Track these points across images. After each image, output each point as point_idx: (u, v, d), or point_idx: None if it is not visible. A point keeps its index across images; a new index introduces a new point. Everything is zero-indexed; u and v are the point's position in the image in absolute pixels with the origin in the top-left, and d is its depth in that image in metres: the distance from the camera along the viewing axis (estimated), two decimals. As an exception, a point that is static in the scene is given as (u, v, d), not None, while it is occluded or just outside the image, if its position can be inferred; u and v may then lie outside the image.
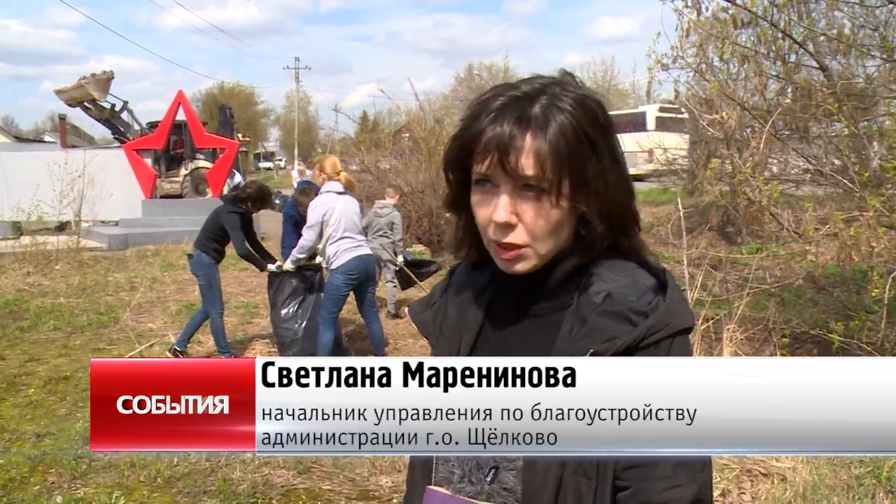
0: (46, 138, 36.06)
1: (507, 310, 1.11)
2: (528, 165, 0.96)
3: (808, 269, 6.01)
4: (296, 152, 49.90)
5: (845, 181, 4.91)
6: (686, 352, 1.01)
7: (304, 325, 6.15)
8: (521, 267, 1.02)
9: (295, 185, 19.84)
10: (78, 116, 21.91)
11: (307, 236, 5.82)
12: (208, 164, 19.22)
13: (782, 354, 5.32)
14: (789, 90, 6.27)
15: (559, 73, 1.06)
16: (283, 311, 6.20)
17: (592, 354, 0.95)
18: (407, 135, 16.08)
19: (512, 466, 0.97)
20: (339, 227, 5.74)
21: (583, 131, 0.98)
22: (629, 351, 0.96)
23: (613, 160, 1.03)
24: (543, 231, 0.99)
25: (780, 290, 6.77)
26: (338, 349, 6.11)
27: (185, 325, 6.65)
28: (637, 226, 1.09)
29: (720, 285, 6.51)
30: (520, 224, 0.99)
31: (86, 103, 19.04)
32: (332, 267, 5.82)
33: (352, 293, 6.04)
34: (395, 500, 3.91)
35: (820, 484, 3.73)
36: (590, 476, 0.96)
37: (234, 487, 3.99)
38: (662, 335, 0.97)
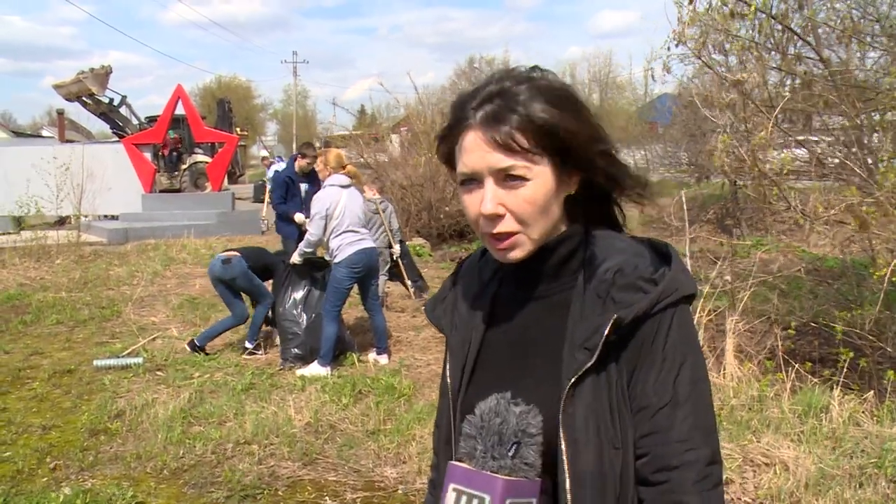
0: (44, 133, 35.99)
1: (512, 298, 1.15)
2: (504, 157, 1.01)
3: (810, 258, 6.02)
4: (294, 145, 49.80)
5: (854, 167, 4.92)
6: (689, 317, 1.05)
7: (308, 318, 6.16)
8: (516, 254, 1.06)
9: (267, 176, 19.92)
10: (76, 111, 21.84)
11: (312, 230, 5.83)
12: (207, 159, 19.19)
13: (784, 346, 5.35)
14: (788, 82, 6.27)
15: (527, 69, 1.09)
16: (288, 305, 6.22)
17: (615, 322, 0.99)
18: (405, 128, 16.07)
19: (533, 442, 0.99)
20: (342, 220, 5.76)
21: (551, 115, 1.01)
22: (645, 316, 1.00)
23: (590, 137, 1.05)
24: (531, 216, 1.03)
25: (780, 282, 6.80)
26: (340, 342, 6.13)
27: (251, 324, 6.60)
28: (644, 193, 1.13)
29: (721, 277, 6.53)
30: (507, 214, 1.03)
31: (84, 98, 18.98)
32: (336, 260, 5.83)
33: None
34: (399, 491, 3.94)
35: (822, 473, 3.76)
36: (617, 446, 1.00)
37: (240, 479, 4.01)
38: (671, 300, 1.01)
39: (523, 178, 1.01)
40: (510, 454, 0.98)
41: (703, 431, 1.01)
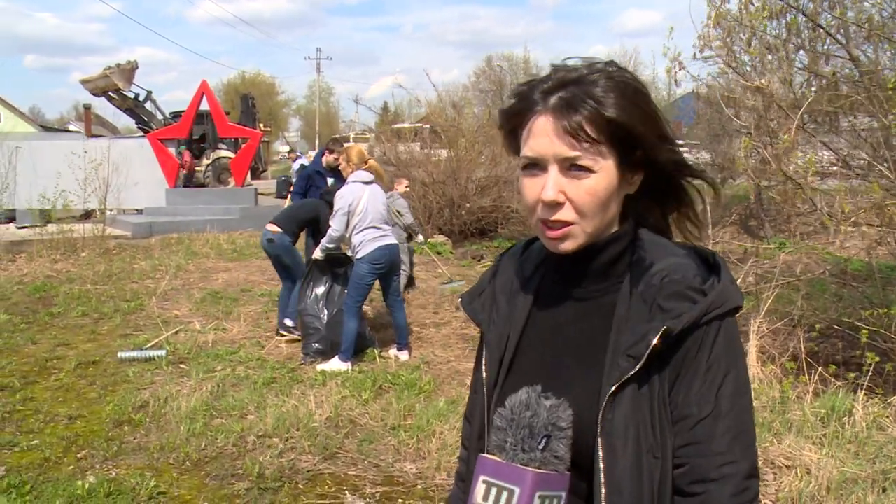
0: (71, 127, 36.48)
1: (554, 295, 1.13)
2: (572, 146, 1.00)
3: (835, 261, 5.95)
4: (317, 141, 50.12)
5: (882, 168, 4.84)
6: (735, 329, 1.04)
7: (329, 314, 6.21)
8: (567, 245, 1.04)
9: (293, 170, 20.08)
10: (102, 106, 22.15)
11: (335, 226, 5.86)
12: (230, 154, 19.34)
13: (807, 348, 5.29)
14: (815, 81, 6.19)
15: (605, 62, 1.08)
16: (310, 300, 6.26)
17: (665, 331, 0.97)
18: (427, 125, 16.06)
19: (563, 435, 0.99)
20: (365, 216, 5.79)
21: (625, 111, 1.00)
22: (693, 326, 0.99)
23: (659, 138, 1.05)
24: (591, 208, 1.02)
25: (805, 284, 6.72)
26: (361, 338, 6.16)
27: (279, 307, 6.98)
28: (685, 205, 1.13)
29: (744, 279, 6.48)
30: (567, 202, 1.02)
31: (110, 93, 19.25)
32: (358, 256, 5.86)
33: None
34: (419, 486, 3.95)
35: (844, 477, 3.72)
36: (657, 455, 0.99)
37: (260, 471, 4.04)
38: (721, 311, 1.00)
39: (588, 170, 1.00)
40: (540, 447, 0.98)
41: (743, 445, 1.00)
